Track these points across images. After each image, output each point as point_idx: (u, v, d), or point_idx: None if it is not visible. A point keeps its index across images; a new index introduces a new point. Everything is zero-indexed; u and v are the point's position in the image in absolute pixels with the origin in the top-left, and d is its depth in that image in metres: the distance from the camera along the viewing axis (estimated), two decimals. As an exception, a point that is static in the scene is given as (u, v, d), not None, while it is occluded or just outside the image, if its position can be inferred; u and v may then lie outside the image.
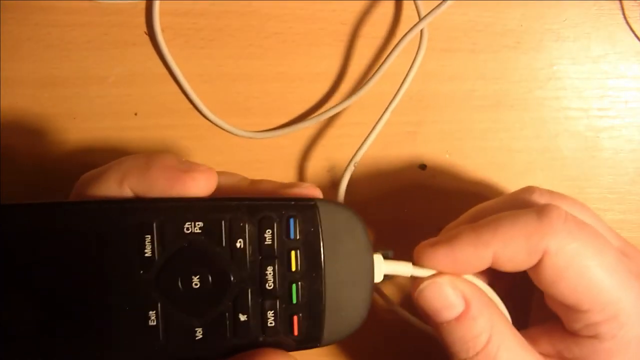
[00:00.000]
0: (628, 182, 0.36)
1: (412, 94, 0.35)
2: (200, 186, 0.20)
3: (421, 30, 0.32)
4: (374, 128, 0.31)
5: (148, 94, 0.34)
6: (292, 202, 0.20)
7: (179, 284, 0.19)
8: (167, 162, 0.20)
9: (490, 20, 0.35)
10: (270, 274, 0.19)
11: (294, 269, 0.19)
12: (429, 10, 0.32)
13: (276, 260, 0.19)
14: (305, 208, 0.20)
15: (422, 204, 0.36)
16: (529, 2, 0.35)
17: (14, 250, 0.17)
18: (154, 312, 0.18)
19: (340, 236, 0.20)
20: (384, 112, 0.32)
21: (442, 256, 0.24)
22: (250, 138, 0.35)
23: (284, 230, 0.19)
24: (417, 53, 0.32)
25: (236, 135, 0.35)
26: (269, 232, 0.19)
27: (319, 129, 0.35)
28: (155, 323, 0.18)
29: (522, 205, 0.26)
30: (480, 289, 0.25)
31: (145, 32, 0.34)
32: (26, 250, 0.18)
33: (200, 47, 0.34)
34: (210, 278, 0.19)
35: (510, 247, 0.23)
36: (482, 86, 0.35)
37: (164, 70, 0.34)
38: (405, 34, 0.32)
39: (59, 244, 0.18)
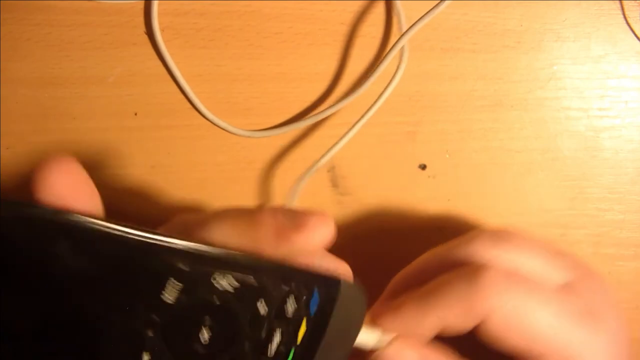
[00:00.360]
0: (628, 182, 0.36)
1: (412, 94, 0.35)
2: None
3: (401, 48, 0.33)
4: (345, 134, 0.32)
5: (148, 94, 0.34)
6: (321, 278, 0.20)
7: (185, 335, 0.18)
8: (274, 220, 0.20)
9: (490, 20, 0.35)
10: (276, 340, 0.19)
11: (298, 340, 0.19)
12: (410, 25, 0.32)
13: (287, 328, 0.19)
14: (329, 286, 0.20)
15: (422, 204, 0.36)
16: (529, 2, 0.35)
17: (19, 255, 0.17)
18: (148, 355, 0.18)
19: (346, 315, 0.21)
20: (359, 120, 0.32)
21: (391, 326, 0.25)
22: (248, 137, 0.35)
23: (304, 303, 0.19)
24: (397, 69, 0.33)
25: (233, 133, 0.35)
26: (291, 301, 0.19)
27: (319, 129, 0.35)
28: None
29: (463, 260, 0.26)
30: (432, 351, 0.25)
31: (145, 32, 0.34)
32: (34, 257, 0.17)
33: (200, 47, 0.34)
34: (217, 333, 0.18)
35: (451, 316, 0.24)
36: (482, 86, 0.35)
37: (164, 70, 0.34)
38: (389, 51, 0.32)
39: (73, 259, 0.17)
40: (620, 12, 0.35)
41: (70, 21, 0.34)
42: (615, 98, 0.36)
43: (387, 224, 0.37)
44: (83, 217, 0.17)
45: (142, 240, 0.17)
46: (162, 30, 0.34)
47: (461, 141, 0.36)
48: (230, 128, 0.34)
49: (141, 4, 0.34)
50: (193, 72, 0.34)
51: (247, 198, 0.35)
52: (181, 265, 0.18)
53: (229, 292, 0.18)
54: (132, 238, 0.17)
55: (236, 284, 0.18)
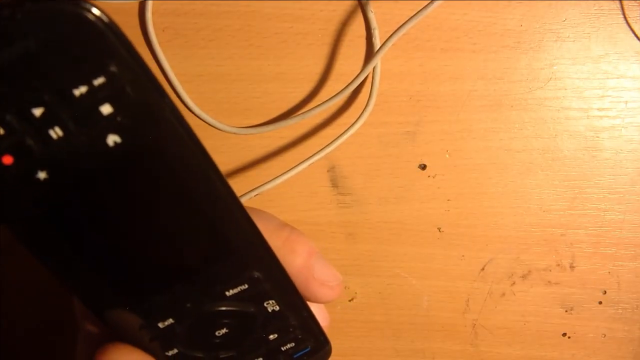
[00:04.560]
0: (628, 182, 0.36)
1: (412, 94, 0.35)
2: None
3: (373, 68, 0.33)
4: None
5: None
6: (321, 337, 0.21)
7: (209, 328, 0.19)
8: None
9: (490, 20, 0.35)
10: None
11: None
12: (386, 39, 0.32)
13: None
14: (322, 348, 0.21)
15: (422, 204, 0.36)
16: (529, 2, 0.35)
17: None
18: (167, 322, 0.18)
19: None
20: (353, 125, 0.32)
21: None
22: (235, 134, 0.35)
23: (295, 349, 0.21)
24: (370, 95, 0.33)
25: (222, 130, 0.35)
26: (291, 345, 0.20)
27: (319, 129, 0.35)
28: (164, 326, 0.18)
29: None
30: None
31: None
32: None
33: (200, 47, 0.34)
34: (234, 334, 0.19)
35: None
36: (482, 86, 0.35)
37: (159, 71, 0.34)
38: (361, 71, 0.32)
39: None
40: (620, 12, 0.35)
41: (70, 21, 0.34)
42: (615, 98, 0.36)
43: (387, 224, 0.37)
44: None
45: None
46: (162, 30, 0.34)
47: (461, 141, 0.36)
48: (220, 125, 0.34)
49: (141, 4, 0.34)
50: (193, 72, 0.34)
51: (246, 197, 0.35)
52: (257, 274, 0.18)
53: (270, 313, 0.19)
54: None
55: (277, 308, 0.19)
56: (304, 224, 0.36)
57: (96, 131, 0.14)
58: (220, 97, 0.35)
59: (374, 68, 0.34)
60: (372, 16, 0.34)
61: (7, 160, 0.13)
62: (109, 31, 0.13)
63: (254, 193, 0.33)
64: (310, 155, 0.33)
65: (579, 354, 0.39)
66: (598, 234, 0.37)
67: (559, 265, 0.37)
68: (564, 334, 0.38)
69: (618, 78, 0.36)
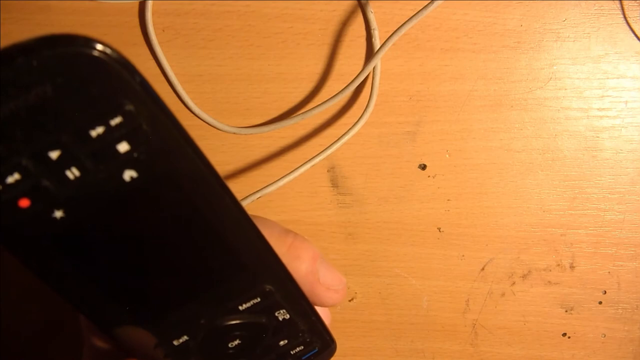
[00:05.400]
0: (628, 182, 0.36)
1: (412, 94, 0.35)
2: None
3: (373, 68, 0.33)
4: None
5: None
6: (327, 337, 0.22)
7: (221, 340, 0.19)
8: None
9: (490, 20, 0.35)
10: None
11: None
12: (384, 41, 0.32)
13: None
14: (328, 347, 0.22)
15: (422, 204, 0.36)
16: (529, 2, 0.35)
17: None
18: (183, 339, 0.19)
19: None
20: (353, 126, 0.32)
21: None
22: (235, 133, 0.35)
23: (307, 352, 0.21)
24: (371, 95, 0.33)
25: (222, 130, 0.35)
26: (300, 348, 0.21)
27: (319, 129, 0.35)
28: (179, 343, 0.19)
29: None
30: None
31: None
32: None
33: (200, 47, 0.34)
34: (245, 345, 0.20)
35: None
36: (482, 86, 0.35)
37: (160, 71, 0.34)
38: (361, 71, 0.32)
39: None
40: (620, 12, 0.35)
41: (70, 21, 0.34)
42: (615, 98, 0.36)
43: (387, 224, 0.37)
44: None
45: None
46: (162, 30, 0.34)
47: (461, 141, 0.36)
48: (219, 125, 0.34)
49: (141, 4, 0.34)
50: (193, 72, 0.34)
51: (250, 199, 0.35)
52: (270, 287, 0.19)
53: (280, 321, 0.20)
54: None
55: (287, 317, 0.20)
56: (304, 224, 0.36)
57: (113, 168, 0.14)
58: (220, 97, 0.35)
59: (374, 68, 0.34)
60: (372, 16, 0.34)
61: (24, 203, 0.13)
62: (124, 70, 0.13)
63: (257, 196, 0.33)
64: (312, 156, 0.33)
65: (579, 354, 0.39)
66: (598, 234, 0.37)
67: (559, 265, 0.37)
68: (564, 334, 0.38)
69: (618, 78, 0.36)
